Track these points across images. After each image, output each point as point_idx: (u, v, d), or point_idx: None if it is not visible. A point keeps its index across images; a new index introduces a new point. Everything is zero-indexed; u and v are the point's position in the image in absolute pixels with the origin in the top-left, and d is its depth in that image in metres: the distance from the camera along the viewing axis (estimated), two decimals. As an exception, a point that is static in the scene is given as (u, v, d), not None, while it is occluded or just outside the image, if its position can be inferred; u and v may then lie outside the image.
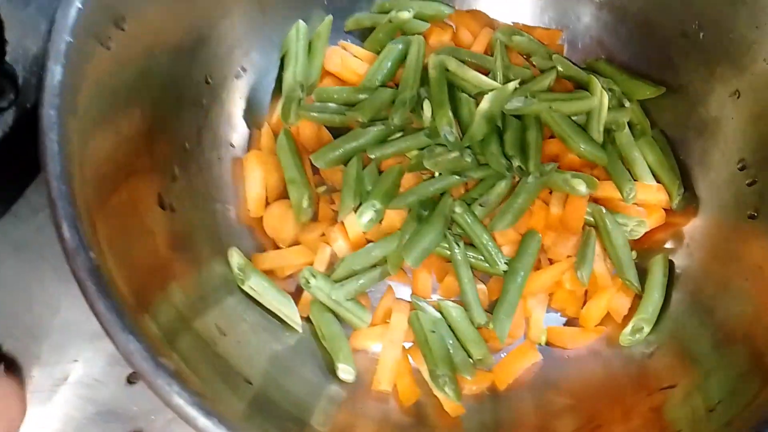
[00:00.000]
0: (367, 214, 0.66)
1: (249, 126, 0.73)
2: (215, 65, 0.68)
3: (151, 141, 0.60)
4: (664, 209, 0.70)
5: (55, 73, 0.48)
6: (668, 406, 0.55)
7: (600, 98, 0.70)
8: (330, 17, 0.75)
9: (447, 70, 0.71)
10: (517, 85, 0.70)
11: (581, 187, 0.67)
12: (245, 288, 0.64)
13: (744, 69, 0.64)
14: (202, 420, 0.41)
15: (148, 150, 0.59)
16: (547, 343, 0.67)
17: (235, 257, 0.65)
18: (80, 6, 0.50)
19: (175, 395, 0.42)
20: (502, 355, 0.67)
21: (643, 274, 0.67)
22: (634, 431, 0.55)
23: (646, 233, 0.69)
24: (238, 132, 0.72)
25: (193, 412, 0.41)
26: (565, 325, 0.69)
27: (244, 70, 0.72)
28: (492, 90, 0.69)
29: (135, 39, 0.56)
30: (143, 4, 0.56)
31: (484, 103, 0.68)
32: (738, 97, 0.65)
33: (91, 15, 0.51)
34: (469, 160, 0.67)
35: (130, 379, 0.69)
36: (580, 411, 0.60)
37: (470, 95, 0.71)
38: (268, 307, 0.64)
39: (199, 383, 0.45)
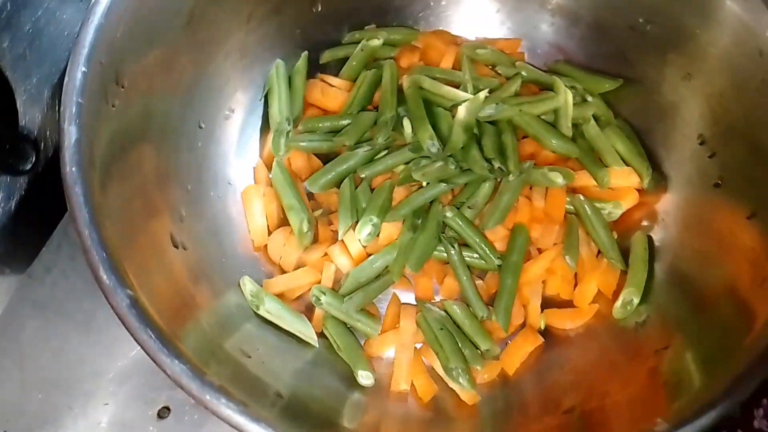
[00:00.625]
0: (366, 229, 0.70)
1: (243, 162, 0.77)
2: (205, 109, 0.73)
3: (158, 187, 0.64)
4: (637, 190, 0.75)
5: (71, 133, 0.52)
6: (664, 365, 0.60)
7: (565, 96, 0.76)
8: (306, 53, 0.80)
9: (421, 87, 0.77)
10: (488, 94, 0.76)
11: (559, 179, 0.72)
12: (261, 313, 0.68)
13: (691, 54, 0.70)
14: (252, 426, 0.45)
15: (157, 195, 0.64)
16: (548, 327, 0.72)
17: (248, 285, 0.69)
18: (85, 69, 0.55)
19: (223, 407, 0.46)
20: (508, 343, 0.71)
21: (626, 251, 0.73)
22: (635, 394, 0.59)
23: (623, 214, 0.75)
24: (233, 169, 0.76)
25: (242, 420, 0.45)
26: (561, 308, 0.73)
27: (232, 111, 0.76)
28: (465, 101, 0.75)
29: (133, 94, 0.61)
30: (136, 62, 0.61)
31: (460, 114, 0.74)
32: (689, 80, 0.71)
33: (95, 77, 0.56)
34: (453, 167, 0.72)
35: (161, 414, 0.72)
36: (583, 385, 0.65)
37: (446, 108, 0.76)
38: (285, 327, 0.68)
39: (239, 396, 0.49)
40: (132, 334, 0.47)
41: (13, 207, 0.62)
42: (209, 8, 0.69)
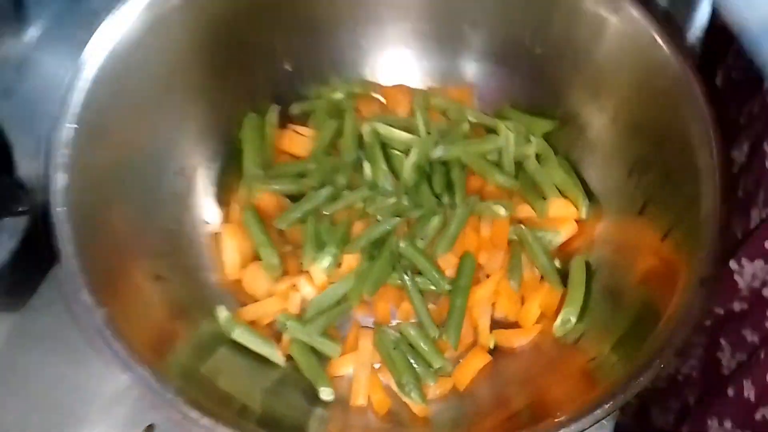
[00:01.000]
0: (326, 260, 0.78)
1: (220, 205, 0.86)
2: (184, 158, 0.81)
3: (141, 227, 0.73)
4: (576, 220, 0.83)
5: (58, 179, 0.62)
6: (594, 367, 0.68)
7: (506, 137, 0.84)
8: (275, 106, 0.89)
9: (378, 133, 0.86)
10: (438, 138, 0.85)
11: (501, 211, 0.80)
12: (233, 337, 0.76)
13: (614, 93, 0.79)
14: (205, 420, 0.53)
15: (140, 234, 0.72)
16: (497, 345, 0.79)
17: (222, 314, 0.77)
18: (70, 125, 0.64)
19: (182, 406, 0.53)
20: (460, 361, 0.78)
21: (566, 275, 0.80)
22: (570, 390, 0.67)
23: (565, 241, 0.82)
24: (210, 210, 0.84)
25: (196, 414, 0.53)
26: (508, 328, 0.80)
27: (209, 160, 0.85)
28: (417, 144, 0.84)
29: (115, 146, 0.70)
30: (117, 118, 0.70)
31: (412, 156, 0.83)
32: (616, 117, 0.79)
33: (80, 131, 0.65)
34: (406, 203, 0.81)
35: (146, 433, 0.79)
36: (528, 391, 0.71)
37: (400, 151, 0.85)
38: (254, 350, 0.76)
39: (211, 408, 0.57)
40: (106, 346, 0.55)
41: (14, 247, 0.71)
42: (188, 72, 0.79)
